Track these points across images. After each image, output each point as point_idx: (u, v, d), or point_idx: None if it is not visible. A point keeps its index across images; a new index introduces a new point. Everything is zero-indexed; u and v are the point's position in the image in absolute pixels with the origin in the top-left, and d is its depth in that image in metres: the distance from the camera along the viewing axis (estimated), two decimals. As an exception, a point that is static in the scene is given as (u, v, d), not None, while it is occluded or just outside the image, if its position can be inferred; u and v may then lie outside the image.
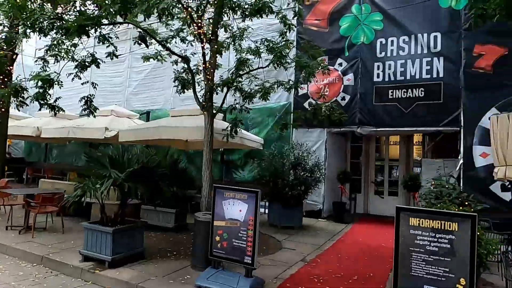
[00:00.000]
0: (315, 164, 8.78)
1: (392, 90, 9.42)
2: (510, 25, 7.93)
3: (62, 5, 6.10)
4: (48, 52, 5.98)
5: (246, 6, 6.40)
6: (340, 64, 10.18)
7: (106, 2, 5.47)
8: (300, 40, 10.31)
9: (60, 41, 5.92)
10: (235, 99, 7.08)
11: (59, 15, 5.51)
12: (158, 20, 5.70)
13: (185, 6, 6.59)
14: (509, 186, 7.89)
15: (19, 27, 6.46)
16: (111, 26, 6.54)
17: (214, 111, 6.99)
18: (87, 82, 6.38)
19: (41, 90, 5.21)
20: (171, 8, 5.28)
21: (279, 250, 6.42)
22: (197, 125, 8.38)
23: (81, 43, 6.06)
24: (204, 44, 6.89)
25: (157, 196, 5.43)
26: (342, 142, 11.84)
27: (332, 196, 10.59)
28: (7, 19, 8.27)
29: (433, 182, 6.95)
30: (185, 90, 8.03)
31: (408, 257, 3.32)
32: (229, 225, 4.40)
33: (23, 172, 15.48)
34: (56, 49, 5.93)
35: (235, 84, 6.86)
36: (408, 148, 11.50)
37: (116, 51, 6.47)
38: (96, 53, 6.46)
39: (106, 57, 6.42)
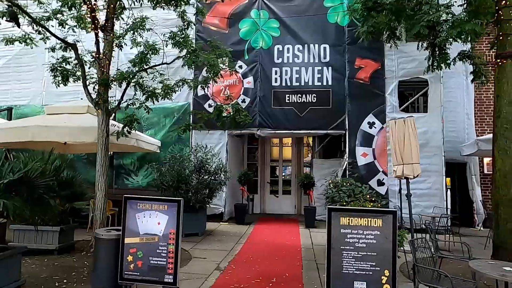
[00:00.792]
0: (218, 167, 8.57)
1: (289, 95, 9.97)
2: (381, 44, 9.36)
3: None
4: None
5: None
6: (240, 67, 10.25)
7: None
8: (198, 38, 9.99)
9: None
10: (134, 95, 6.27)
11: None
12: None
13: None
14: (383, 181, 9.26)
15: None
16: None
17: (110, 108, 6.06)
18: None
19: None
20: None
21: (189, 260, 5.97)
22: (82, 125, 7.20)
23: None
24: (98, 31, 5.91)
25: (42, 213, 4.32)
26: (239, 144, 11.97)
27: (233, 198, 10.59)
28: None
29: (330, 181, 7.60)
30: (67, 83, 6.73)
31: (340, 256, 3.41)
32: (145, 241, 3.79)
33: None
34: None
35: (136, 78, 6.08)
36: (299, 150, 12.38)
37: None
38: None
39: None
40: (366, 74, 9.68)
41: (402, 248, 4.87)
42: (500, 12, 5.45)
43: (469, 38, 5.54)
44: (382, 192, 9.13)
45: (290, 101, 9.95)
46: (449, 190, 9.08)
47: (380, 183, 9.20)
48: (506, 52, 5.36)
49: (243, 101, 10.11)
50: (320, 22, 10.04)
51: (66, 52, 7.47)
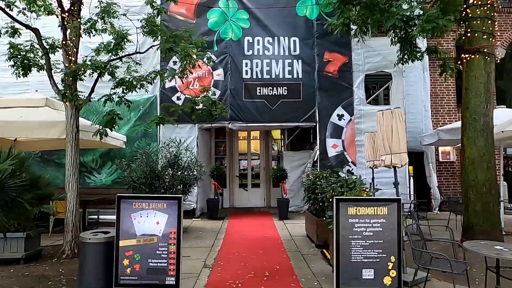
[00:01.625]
0: (192, 162, 8.28)
1: (260, 88, 9.90)
2: (349, 39, 9.63)
3: None
4: None
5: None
6: (208, 59, 9.93)
7: None
8: (164, 28, 9.49)
9: None
10: (115, 87, 5.78)
11: None
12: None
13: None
14: (352, 171, 9.61)
15: None
16: None
17: (80, 102, 5.55)
18: None
19: None
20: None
21: (174, 260, 5.70)
22: (44, 119, 6.56)
23: None
24: (65, 14, 5.34)
25: (17, 218, 3.79)
26: (207, 138, 11.71)
27: (204, 193, 10.34)
28: None
29: (309, 172, 7.70)
30: (27, 74, 6.02)
31: (348, 245, 3.45)
32: (143, 243, 3.52)
33: None
34: None
35: (110, 68, 5.60)
36: (267, 143, 12.41)
37: None
38: None
39: None
40: (335, 68, 9.92)
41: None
42: (467, 10, 5.84)
43: (439, 33, 5.85)
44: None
45: (262, 93, 9.90)
46: (411, 178, 9.69)
47: (350, 172, 9.53)
48: (474, 48, 5.77)
49: (214, 93, 9.81)
50: (290, 14, 10.07)
51: (13, 38, 6.71)
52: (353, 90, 9.85)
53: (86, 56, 5.74)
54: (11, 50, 5.72)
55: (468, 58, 5.82)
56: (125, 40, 5.65)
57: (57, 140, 7.43)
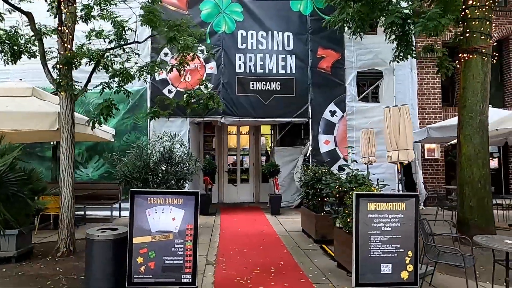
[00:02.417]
0: (187, 156, 8.08)
1: (253, 82, 9.80)
2: (342, 36, 9.69)
3: None
4: None
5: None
6: (202, 51, 9.73)
7: None
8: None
9: None
10: (113, 76, 5.53)
11: None
12: None
13: None
14: (344, 167, 9.70)
15: None
16: None
17: (76, 91, 5.27)
18: None
19: None
20: None
21: (174, 257, 5.55)
22: (33, 109, 6.20)
23: None
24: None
25: (18, 213, 3.53)
26: (197, 132, 11.51)
27: (194, 188, 10.15)
28: None
29: (305, 168, 7.71)
30: (17, 61, 5.66)
31: (367, 241, 3.46)
32: (158, 239, 3.38)
33: None
34: None
35: (109, 58, 5.34)
36: (256, 138, 12.35)
37: None
38: None
39: None
40: (328, 64, 9.96)
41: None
42: (467, 10, 5.99)
43: (439, 32, 5.97)
44: (343, 177, 9.61)
45: (255, 88, 9.80)
46: (400, 174, 9.90)
47: (341, 168, 9.61)
48: (471, 48, 5.93)
49: (206, 87, 9.64)
50: (284, 9, 10.00)
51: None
52: (346, 87, 9.94)
53: (83, 44, 5.45)
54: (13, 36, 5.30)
55: (466, 58, 5.98)
56: (125, 28, 5.39)
57: (43, 132, 7.07)
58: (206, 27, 9.73)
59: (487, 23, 5.87)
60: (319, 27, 9.74)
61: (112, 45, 5.58)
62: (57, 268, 4.68)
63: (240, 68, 9.80)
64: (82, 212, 8.35)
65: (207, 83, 7.51)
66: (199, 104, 7.33)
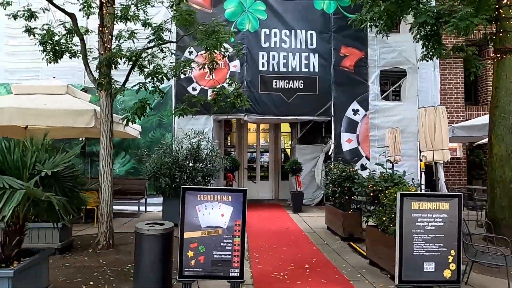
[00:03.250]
0: (213, 153, 8.23)
1: (276, 80, 9.89)
2: (365, 34, 9.69)
3: None
4: None
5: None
6: (227, 49, 9.84)
7: None
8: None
9: None
10: (148, 77, 5.68)
11: None
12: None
13: None
14: (366, 165, 9.76)
15: None
16: None
17: (115, 90, 5.44)
18: None
19: None
20: None
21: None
22: (73, 107, 6.41)
23: None
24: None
25: (75, 208, 3.70)
26: (218, 129, 11.64)
27: (216, 185, 10.31)
28: None
29: (331, 166, 7.77)
30: (58, 60, 5.85)
31: (411, 239, 3.53)
32: (208, 234, 3.52)
33: None
34: None
35: (146, 57, 5.49)
36: (276, 136, 12.43)
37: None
38: None
39: None
40: (351, 62, 9.97)
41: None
42: (500, 10, 5.96)
43: (470, 31, 5.94)
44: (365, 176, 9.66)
45: (278, 86, 9.88)
46: (423, 173, 9.91)
47: (363, 167, 9.69)
48: (505, 48, 5.90)
49: (231, 85, 9.76)
50: (307, 8, 10.03)
51: (29, 21, 6.53)
52: (369, 86, 9.94)
53: (120, 44, 5.61)
54: (44, 35, 5.50)
55: (500, 58, 5.95)
56: (163, 29, 5.54)
57: (76, 128, 7.32)
58: (230, 26, 9.81)
59: (522, 22, 5.84)
60: (342, 26, 9.77)
61: (150, 44, 5.71)
62: (100, 261, 4.88)
63: (263, 66, 9.89)
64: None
65: (235, 81, 7.58)
66: (226, 102, 7.44)
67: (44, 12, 6.83)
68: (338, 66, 9.93)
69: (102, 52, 5.33)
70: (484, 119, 7.82)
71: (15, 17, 6.55)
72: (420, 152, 6.24)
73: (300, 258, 5.42)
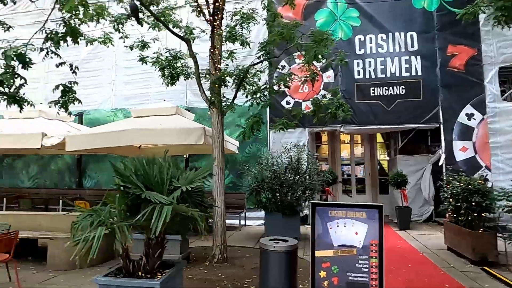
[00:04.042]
0: (313, 167, 8.00)
1: (373, 88, 9.33)
2: (476, 28, 8.58)
3: None
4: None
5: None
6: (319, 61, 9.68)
7: None
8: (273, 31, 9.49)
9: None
10: (261, 90, 5.79)
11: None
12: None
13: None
14: (487, 177, 8.48)
15: None
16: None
17: (224, 107, 5.61)
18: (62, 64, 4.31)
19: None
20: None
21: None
22: (185, 126, 6.83)
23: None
24: (213, 21, 5.46)
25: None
26: (311, 142, 11.42)
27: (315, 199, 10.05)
28: None
29: (451, 179, 6.91)
30: (175, 83, 6.33)
31: None
32: (341, 254, 3.28)
33: None
34: None
35: (254, 73, 5.60)
36: (371, 146, 11.70)
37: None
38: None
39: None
40: (461, 62, 8.92)
41: None
42: None
43: None
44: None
45: (376, 94, 9.31)
46: None
47: (485, 179, 8.43)
48: None
49: (324, 96, 9.53)
50: (405, 8, 9.35)
51: (143, 51, 7.22)
52: (485, 86, 8.74)
53: (227, 64, 5.85)
54: (160, 61, 6.02)
55: None
56: (268, 45, 5.62)
57: (177, 146, 7.85)
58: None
59: None
60: (448, 22, 8.87)
61: (256, 60, 5.83)
62: (219, 274, 4.97)
63: (359, 74, 9.45)
64: (211, 220, 8.90)
65: (336, 91, 7.32)
66: (326, 114, 7.20)
67: (154, 42, 7.58)
68: (445, 67, 8.97)
69: (213, 72, 5.59)
70: None
71: (131, 47, 7.38)
72: None
73: (430, 283, 4.81)
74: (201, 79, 5.82)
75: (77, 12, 4.10)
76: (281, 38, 6.14)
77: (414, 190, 9.62)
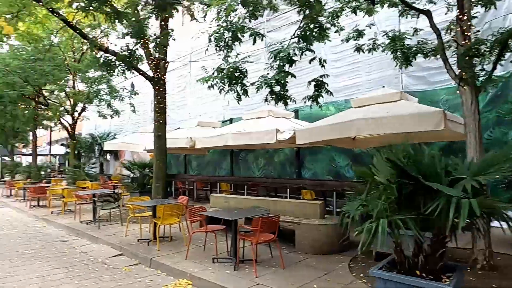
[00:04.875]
0: None
1: None
2: None
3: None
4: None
5: None
6: None
7: None
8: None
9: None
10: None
11: None
12: None
13: None
14: None
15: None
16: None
17: (479, 83, 4.56)
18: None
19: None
20: None
21: None
22: (406, 112, 6.15)
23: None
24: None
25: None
26: None
27: None
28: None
29: None
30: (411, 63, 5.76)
31: None
32: None
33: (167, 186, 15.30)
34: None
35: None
36: None
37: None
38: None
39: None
40: None
41: None
42: None
43: None
44: None
45: None
46: None
47: None
48: None
49: None
50: None
51: (358, 40, 6.85)
52: None
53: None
54: (392, 44, 5.58)
55: None
56: None
57: (396, 134, 7.07)
58: None
59: None
60: None
61: None
62: (493, 285, 4.10)
63: None
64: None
65: None
66: None
67: (370, 28, 7.21)
68: None
69: (463, 42, 4.67)
70: None
71: (347, 40, 7.27)
72: None
73: None
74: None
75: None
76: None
77: None
